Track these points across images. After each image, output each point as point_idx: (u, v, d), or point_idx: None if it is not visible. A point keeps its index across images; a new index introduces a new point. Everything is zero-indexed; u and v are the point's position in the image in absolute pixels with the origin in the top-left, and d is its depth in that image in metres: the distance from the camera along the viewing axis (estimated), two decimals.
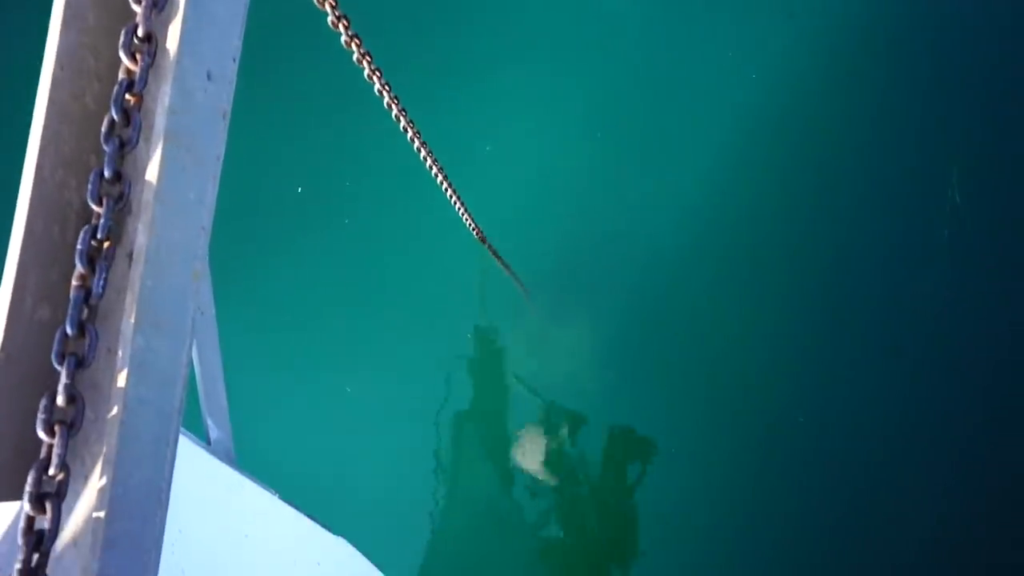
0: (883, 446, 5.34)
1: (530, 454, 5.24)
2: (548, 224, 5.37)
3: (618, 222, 5.38)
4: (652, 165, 5.56)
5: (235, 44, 1.34)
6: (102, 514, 1.02)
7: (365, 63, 2.31)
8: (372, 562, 3.28)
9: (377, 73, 2.35)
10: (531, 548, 5.18)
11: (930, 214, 5.44)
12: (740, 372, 5.29)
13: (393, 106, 2.47)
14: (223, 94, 1.30)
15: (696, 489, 5.24)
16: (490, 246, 3.70)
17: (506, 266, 4.21)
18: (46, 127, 1.17)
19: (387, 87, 2.43)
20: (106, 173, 1.10)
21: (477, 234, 3.46)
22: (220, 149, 1.30)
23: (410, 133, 2.59)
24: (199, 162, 1.23)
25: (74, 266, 1.12)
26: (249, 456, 2.79)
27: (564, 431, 5.27)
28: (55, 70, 1.20)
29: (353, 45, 2.25)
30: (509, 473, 5.25)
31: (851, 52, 5.74)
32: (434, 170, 2.82)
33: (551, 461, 5.27)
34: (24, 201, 1.13)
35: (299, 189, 5.34)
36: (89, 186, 1.09)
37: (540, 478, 5.28)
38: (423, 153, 2.74)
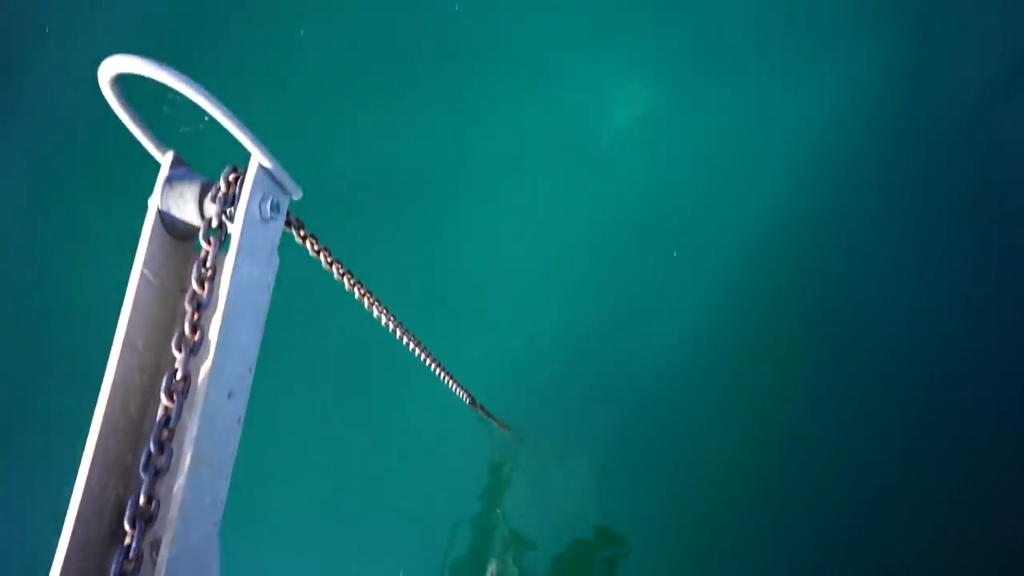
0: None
1: None
2: (534, 370, 5.43)
3: (605, 365, 5.50)
4: (636, 316, 5.52)
5: (252, 358, 1.59)
6: None
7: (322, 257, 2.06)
8: None
9: (337, 264, 2.10)
10: None
11: None
12: (740, 512, 5.21)
13: (356, 290, 2.23)
14: (240, 405, 1.54)
15: None
16: (481, 407, 3.82)
17: (496, 420, 4.27)
18: (99, 443, 1.43)
19: (349, 275, 2.15)
20: (141, 500, 1.36)
21: (467, 399, 3.60)
22: (234, 449, 1.55)
23: (376, 312, 2.35)
24: (215, 470, 1.49)
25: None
26: None
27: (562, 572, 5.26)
28: (111, 391, 1.46)
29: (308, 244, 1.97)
30: None
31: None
32: (416, 350, 2.80)
33: None
34: (73, 512, 1.37)
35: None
36: (127, 511, 1.35)
37: None
38: (399, 333, 2.56)
